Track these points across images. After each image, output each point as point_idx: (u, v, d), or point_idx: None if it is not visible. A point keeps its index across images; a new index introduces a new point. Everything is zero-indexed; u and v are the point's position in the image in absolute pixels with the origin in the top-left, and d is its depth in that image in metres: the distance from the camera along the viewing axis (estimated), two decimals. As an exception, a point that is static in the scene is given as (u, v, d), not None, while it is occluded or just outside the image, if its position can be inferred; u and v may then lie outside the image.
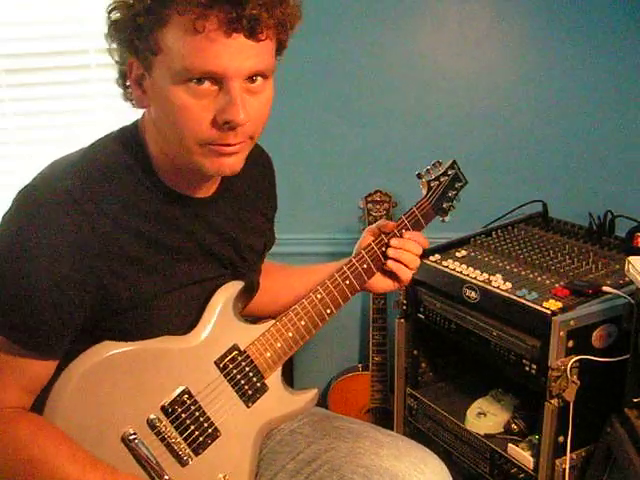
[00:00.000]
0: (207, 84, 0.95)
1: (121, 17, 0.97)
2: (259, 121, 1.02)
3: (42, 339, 1.01)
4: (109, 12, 0.98)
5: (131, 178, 1.05)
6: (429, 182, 1.33)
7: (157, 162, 1.07)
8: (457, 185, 1.36)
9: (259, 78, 0.99)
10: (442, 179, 1.34)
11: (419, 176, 1.33)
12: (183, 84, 0.95)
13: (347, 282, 1.24)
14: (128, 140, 1.08)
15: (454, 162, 1.36)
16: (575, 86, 2.05)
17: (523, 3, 2.03)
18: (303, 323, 1.19)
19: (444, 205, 1.34)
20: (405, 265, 1.27)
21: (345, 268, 1.24)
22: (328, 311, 1.22)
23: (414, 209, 1.30)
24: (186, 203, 1.10)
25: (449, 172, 1.35)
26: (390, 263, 1.27)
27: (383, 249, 1.27)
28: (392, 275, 1.29)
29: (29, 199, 1.00)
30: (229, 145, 1.00)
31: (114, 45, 1.01)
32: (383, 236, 1.27)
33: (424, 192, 1.33)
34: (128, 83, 1.04)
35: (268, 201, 1.31)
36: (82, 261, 0.99)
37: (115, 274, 1.02)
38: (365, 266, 1.25)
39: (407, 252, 1.26)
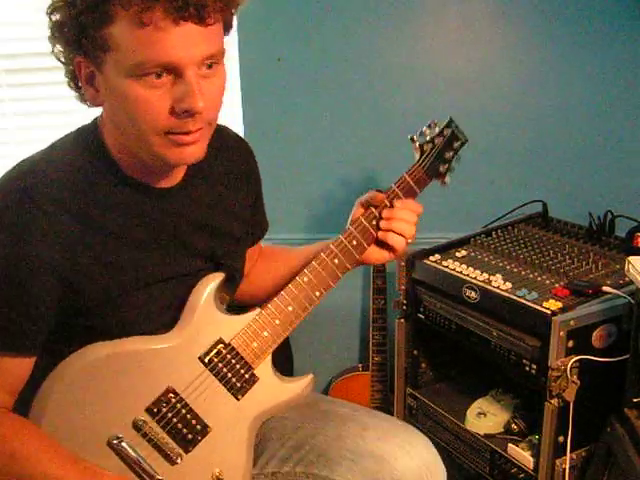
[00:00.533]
0: (162, 76, 0.94)
1: (63, 17, 0.95)
2: (216, 106, 1.02)
3: (14, 336, 1.01)
4: (50, 13, 0.97)
5: (92, 173, 1.05)
6: (422, 145, 1.24)
7: (118, 156, 1.06)
8: (455, 145, 1.27)
9: (213, 64, 0.98)
10: (437, 140, 1.25)
11: (412, 140, 1.24)
12: (138, 78, 0.94)
13: (336, 261, 1.18)
14: (87, 137, 1.08)
15: (450, 120, 1.27)
16: (575, 86, 2.05)
17: (523, 3, 2.03)
18: (290, 309, 1.16)
19: (440, 168, 1.25)
20: (399, 234, 1.21)
21: (332, 247, 1.19)
22: (317, 293, 1.17)
23: (405, 175, 1.23)
24: (152, 194, 1.09)
25: (445, 132, 1.26)
26: (381, 234, 1.21)
27: (374, 222, 1.21)
28: (386, 246, 1.23)
29: None
30: (188, 133, 0.99)
31: (59, 47, 1.00)
32: (372, 209, 1.21)
33: (417, 157, 1.24)
34: (80, 84, 1.03)
35: (248, 186, 1.27)
36: (44, 259, 0.99)
37: (79, 270, 1.02)
38: (355, 242, 1.20)
39: (400, 221, 1.20)
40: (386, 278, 2.04)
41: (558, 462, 1.46)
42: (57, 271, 1.00)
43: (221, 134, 1.22)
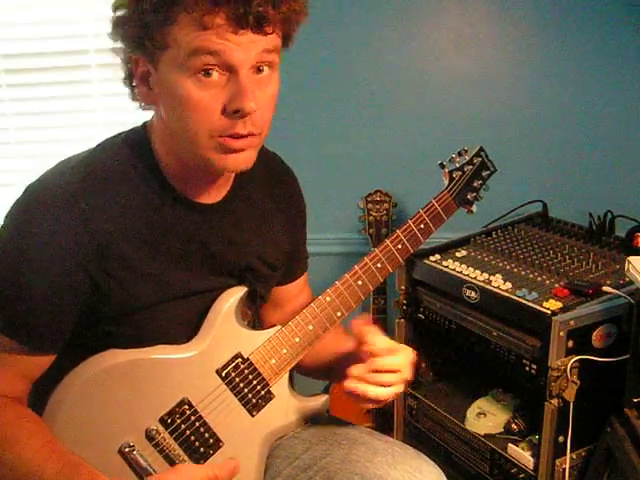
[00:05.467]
0: (215, 75, 0.94)
1: (127, 14, 0.96)
2: (266, 114, 1.01)
3: (34, 334, 1.01)
4: (115, 8, 0.98)
5: (136, 180, 1.04)
6: (451, 172, 1.24)
7: (165, 164, 1.06)
8: (484, 174, 1.27)
9: (265, 68, 0.98)
10: (466, 168, 1.25)
11: (442, 165, 1.24)
12: (191, 76, 0.94)
13: (359, 282, 1.18)
14: (136, 141, 1.07)
15: (481, 149, 1.27)
16: (575, 86, 2.05)
17: (524, 3, 2.03)
18: (311, 328, 1.15)
19: (468, 196, 1.25)
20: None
21: (357, 268, 1.18)
22: (338, 314, 1.17)
23: (433, 201, 1.22)
24: (193, 209, 1.08)
25: (475, 160, 1.26)
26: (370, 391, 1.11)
27: (399, 246, 1.20)
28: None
29: (30, 195, 1.02)
30: (238, 137, 0.98)
31: (118, 42, 1.00)
32: (398, 232, 1.20)
33: (445, 183, 1.24)
34: (134, 83, 1.03)
35: (288, 219, 1.26)
36: (76, 260, 0.99)
37: (110, 275, 1.01)
38: (379, 265, 1.19)
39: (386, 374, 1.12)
40: (386, 278, 2.04)
41: (558, 462, 1.46)
42: (89, 274, 1.00)
43: (271, 163, 1.23)
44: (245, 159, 1.01)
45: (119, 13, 0.97)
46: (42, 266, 0.98)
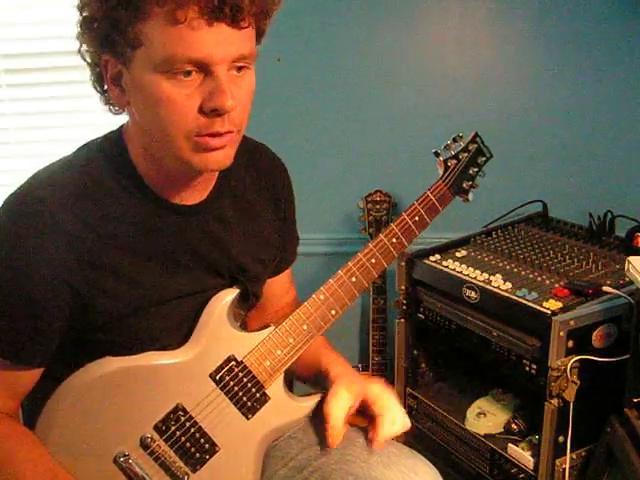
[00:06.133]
0: (191, 73, 0.92)
1: (95, 12, 0.93)
2: (244, 112, 0.99)
3: (18, 349, 1.00)
4: (81, 8, 0.95)
5: (114, 187, 1.02)
6: (446, 161, 1.20)
7: (143, 169, 1.04)
8: (480, 160, 1.23)
9: (243, 68, 0.97)
10: (461, 156, 1.21)
11: (436, 154, 1.20)
12: (167, 75, 0.92)
13: (353, 279, 1.15)
14: (112, 147, 1.05)
15: (476, 135, 1.23)
16: (575, 86, 2.05)
17: (524, 3, 2.03)
18: (305, 327, 1.13)
19: (464, 185, 1.21)
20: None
21: (351, 264, 1.15)
22: (333, 312, 1.14)
23: (428, 193, 1.19)
24: (175, 211, 1.06)
25: (470, 147, 1.22)
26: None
27: (394, 240, 1.17)
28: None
29: (6, 209, 1.00)
30: (217, 135, 0.96)
31: (86, 44, 0.98)
32: (393, 226, 1.17)
33: (440, 172, 1.20)
34: (106, 86, 1.01)
35: (277, 212, 1.23)
36: (57, 273, 0.97)
37: (94, 285, 1.00)
38: (373, 261, 1.16)
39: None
40: (386, 278, 2.04)
41: (558, 462, 1.46)
42: (70, 285, 0.99)
43: (255, 153, 1.20)
44: (224, 157, 0.99)
45: (85, 13, 0.95)
46: (23, 280, 0.97)
